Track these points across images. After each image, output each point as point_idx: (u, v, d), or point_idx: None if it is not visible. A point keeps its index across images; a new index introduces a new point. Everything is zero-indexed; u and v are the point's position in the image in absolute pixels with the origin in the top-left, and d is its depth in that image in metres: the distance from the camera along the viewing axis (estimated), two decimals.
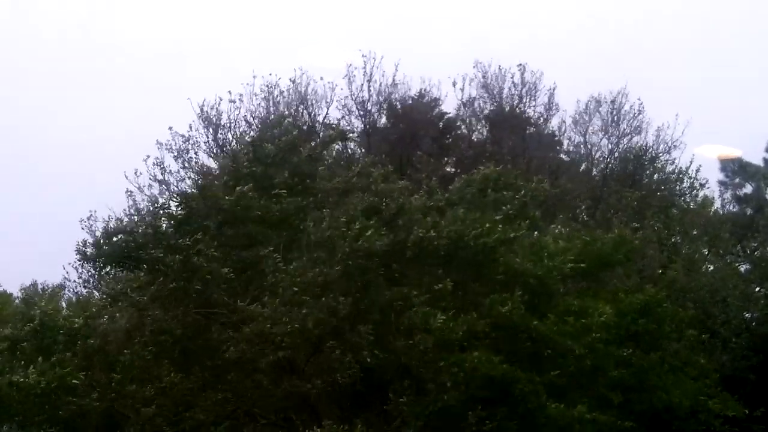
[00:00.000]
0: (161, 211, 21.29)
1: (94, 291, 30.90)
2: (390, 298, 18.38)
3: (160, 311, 18.87)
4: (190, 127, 31.54)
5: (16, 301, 37.60)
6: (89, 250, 22.39)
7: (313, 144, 22.51)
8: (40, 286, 37.19)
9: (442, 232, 18.69)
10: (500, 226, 19.22)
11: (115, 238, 20.44)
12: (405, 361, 17.97)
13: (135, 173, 30.06)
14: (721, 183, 37.06)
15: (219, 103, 31.85)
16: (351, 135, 29.52)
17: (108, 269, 23.50)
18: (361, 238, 18.09)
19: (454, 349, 17.78)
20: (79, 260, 24.60)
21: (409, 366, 17.96)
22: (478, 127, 32.94)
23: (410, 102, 32.17)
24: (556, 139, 33.24)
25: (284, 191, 19.52)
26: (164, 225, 20.28)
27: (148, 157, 30.69)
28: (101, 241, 21.08)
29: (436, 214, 19.60)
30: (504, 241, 19.11)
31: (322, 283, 18.00)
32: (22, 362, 19.16)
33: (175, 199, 21.05)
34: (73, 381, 18.32)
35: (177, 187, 30.18)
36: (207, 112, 31.70)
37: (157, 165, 30.76)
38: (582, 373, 18.72)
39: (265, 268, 18.54)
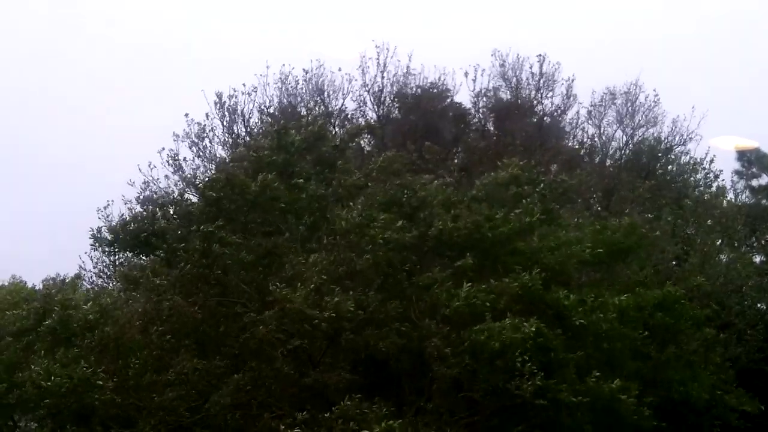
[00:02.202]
0: (187, 192, 21.40)
1: (109, 281, 31.08)
2: (415, 285, 18.41)
3: (179, 296, 18.98)
4: (207, 116, 31.72)
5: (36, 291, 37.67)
6: (104, 235, 22.54)
7: (338, 135, 22.57)
8: (60, 278, 37.26)
9: (461, 224, 18.75)
10: (513, 214, 19.28)
11: (131, 226, 20.62)
12: (428, 334, 17.92)
13: (149, 166, 30.31)
14: (736, 173, 36.96)
15: (234, 95, 32.01)
16: (376, 127, 29.59)
17: (123, 255, 23.75)
18: (391, 230, 18.18)
19: (484, 319, 17.66)
20: (93, 245, 24.76)
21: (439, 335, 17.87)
22: (492, 118, 32.86)
23: (421, 93, 32.12)
24: (569, 130, 33.18)
25: (302, 180, 19.58)
26: (192, 205, 20.43)
27: (163, 149, 30.95)
28: (118, 227, 21.28)
29: (462, 208, 19.65)
30: (520, 231, 19.14)
31: (349, 273, 18.07)
32: (42, 353, 19.34)
33: (202, 184, 21.10)
34: (98, 382, 18.38)
35: (192, 175, 30.33)
36: (225, 101, 31.82)
37: (171, 157, 30.97)
38: (600, 364, 18.75)
39: (285, 257, 18.62)
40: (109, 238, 22.61)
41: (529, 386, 16.86)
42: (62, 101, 63.77)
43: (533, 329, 17.14)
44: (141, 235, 20.57)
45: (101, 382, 18.37)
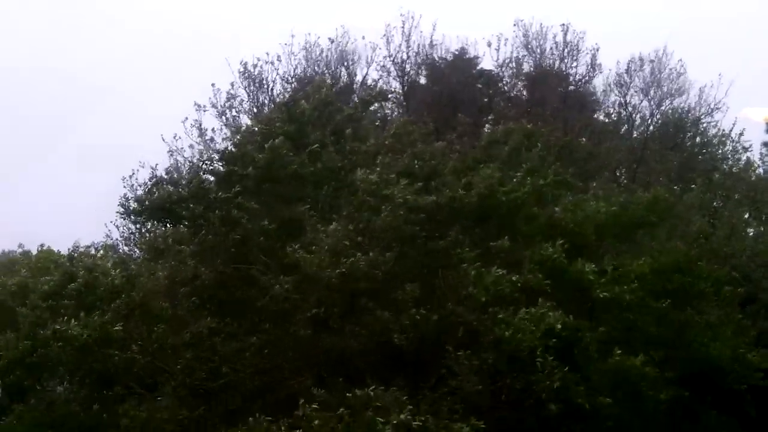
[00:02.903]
0: (203, 166, 21.62)
1: (135, 248, 31.36)
2: (434, 253, 18.33)
3: (196, 262, 19.07)
4: (232, 86, 31.76)
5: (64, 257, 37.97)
6: (132, 205, 22.75)
7: (352, 104, 22.53)
8: (92, 245, 37.57)
9: (472, 191, 18.64)
10: (528, 179, 19.16)
11: (157, 193, 20.78)
12: (458, 315, 17.82)
13: (174, 137, 30.54)
14: (765, 145, 36.43)
15: (259, 64, 32.02)
16: (391, 95, 29.55)
17: (150, 224, 23.99)
18: (409, 192, 18.19)
19: (505, 304, 17.52)
20: (122, 215, 25.02)
21: (463, 321, 17.77)
22: (518, 87, 32.68)
23: (449, 60, 32.01)
24: (594, 99, 32.88)
25: (318, 147, 19.60)
26: (206, 181, 20.60)
27: (186, 119, 31.14)
28: (144, 196, 21.42)
29: (469, 173, 19.57)
30: (533, 193, 18.97)
31: (367, 237, 18.04)
32: (65, 318, 19.53)
33: (215, 157, 21.33)
34: (115, 329, 18.66)
35: (221, 145, 30.46)
36: (250, 71, 31.84)
37: (195, 127, 31.12)
38: (620, 331, 18.63)
39: (306, 224, 18.65)
40: (135, 207, 22.82)
41: (546, 385, 16.72)
42: (86, 79, 64.15)
43: (559, 325, 16.88)
44: (166, 201, 20.71)
45: (119, 329, 18.63)
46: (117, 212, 24.90)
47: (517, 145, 20.59)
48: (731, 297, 22.35)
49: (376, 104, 28.35)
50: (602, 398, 17.15)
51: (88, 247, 37.95)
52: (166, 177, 25.15)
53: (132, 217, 24.91)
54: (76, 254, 27.60)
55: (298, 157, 19.68)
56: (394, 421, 15.84)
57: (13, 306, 24.87)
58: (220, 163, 20.47)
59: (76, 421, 21.00)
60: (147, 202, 21.08)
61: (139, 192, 26.77)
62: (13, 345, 20.08)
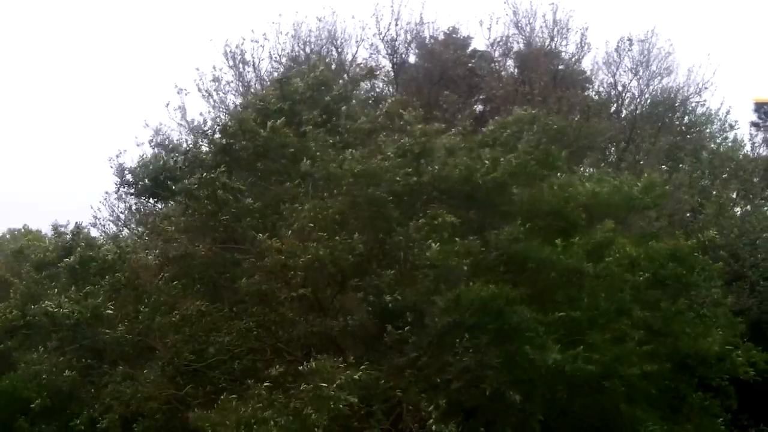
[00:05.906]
0: (201, 140, 21.53)
1: (124, 228, 31.33)
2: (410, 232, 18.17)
3: (186, 241, 19.03)
4: (214, 68, 31.68)
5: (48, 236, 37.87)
6: (128, 177, 22.66)
7: (342, 82, 22.40)
8: (73, 224, 37.39)
9: (455, 170, 18.43)
10: (507, 160, 18.67)
11: (151, 166, 20.70)
12: (410, 296, 17.64)
13: (158, 125, 30.48)
14: (754, 125, 36.56)
15: (243, 42, 31.93)
16: (377, 72, 29.42)
17: (142, 199, 23.83)
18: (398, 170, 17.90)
19: (459, 283, 16.93)
20: (117, 188, 24.89)
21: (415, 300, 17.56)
22: (508, 66, 32.67)
23: (440, 39, 31.96)
24: (585, 76, 32.88)
25: (310, 128, 19.48)
26: (200, 153, 20.53)
27: (169, 103, 31.29)
28: (138, 168, 21.37)
29: (464, 156, 19.35)
30: (515, 174, 18.66)
31: (333, 217, 17.92)
32: (56, 290, 19.52)
33: (217, 128, 21.23)
34: (107, 311, 18.71)
35: (203, 124, 30.35)
36: (233, 51, 31.78)
37: (179, 109, 31.07)
38: (602, 313, 18.53)
39: (292, 203, 18.60)
40: (130, 179, 22.75)
41: (457, 361, 16.61)
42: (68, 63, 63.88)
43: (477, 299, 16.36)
44: (159, 178, 20.63)
45: (111, 311, 18.71)
46: (116, 185, 24.65)
47: (517, 129, 20.25)
48: (722, 294, 22.34)
49: (366, 82, 28.32)
50: (513, 392, 16.49)
51: (63, 226, 37.83)
52: (157, 152, 24.92)
53: (127, 188, 24.80)
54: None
55: (295, 136, 19.59)
56: (335, 384, 15.72)
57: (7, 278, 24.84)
58: (219, 137, 20.35)
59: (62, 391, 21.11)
60: (141, 175, 21.03)
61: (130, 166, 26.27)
62: (2, 314, 20.03)
